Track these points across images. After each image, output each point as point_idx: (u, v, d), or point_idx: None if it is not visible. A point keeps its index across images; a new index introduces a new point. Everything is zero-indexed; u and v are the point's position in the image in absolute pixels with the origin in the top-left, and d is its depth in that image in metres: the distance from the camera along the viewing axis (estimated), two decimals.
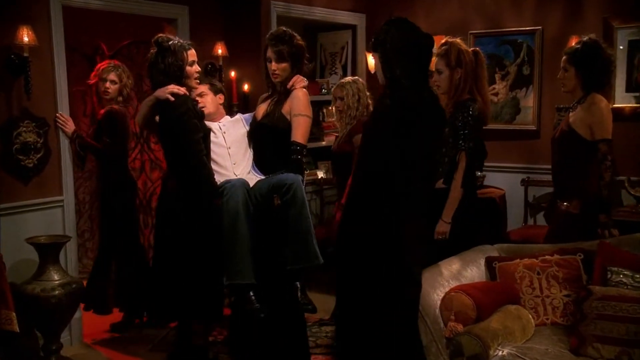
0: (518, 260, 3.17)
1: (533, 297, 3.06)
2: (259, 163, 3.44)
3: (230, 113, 4.57)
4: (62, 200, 3.92)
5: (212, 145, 3.34)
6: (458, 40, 3.32)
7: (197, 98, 3.48)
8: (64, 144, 3.92)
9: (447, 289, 2.94)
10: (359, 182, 2.78)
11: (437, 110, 2.78)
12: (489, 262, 3.23)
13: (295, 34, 3.41)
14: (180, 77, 3.20)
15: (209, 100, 3.58)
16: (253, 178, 3.34)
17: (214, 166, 3.29)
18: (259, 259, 3.16)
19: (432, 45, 2.75)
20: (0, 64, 3.58)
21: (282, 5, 4.91)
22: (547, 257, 3.14)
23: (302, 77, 3.38)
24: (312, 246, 3.15)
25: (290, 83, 3.36)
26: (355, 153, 3.77)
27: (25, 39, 3.53)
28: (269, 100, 3.47)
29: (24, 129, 3.70)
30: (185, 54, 3.20)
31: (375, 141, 2.69)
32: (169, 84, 3.16)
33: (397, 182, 2.63)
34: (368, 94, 4.14)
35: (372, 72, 5.48)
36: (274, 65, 3.33)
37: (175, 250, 3.24)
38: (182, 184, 3.20)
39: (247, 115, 3.65)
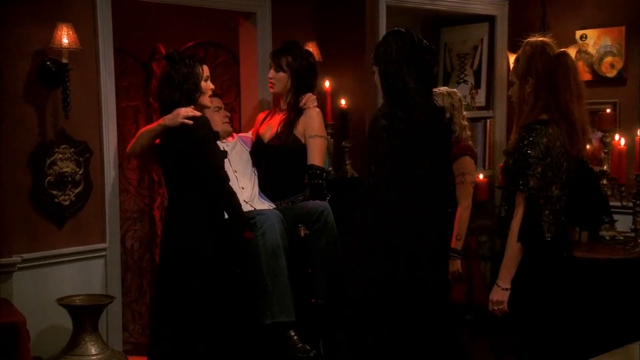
0: None
1: None
2: (269, 188, 4.01)
3: None
4: (104, 249, 3.95)
5: None
6: (541, 39, 3.19)
7: (217, 113, 4.09)
8: (109, 175, 3.96)
9: None
10: (363, 214, 3.20)
11: (440, 127, 3.30)
12: None
13: (308, 51, 4.13)
14: (194, 92, 3.63)
15: (222, 117, 4.14)
16: (261, 205, 3.90)
17: None
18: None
19: (435, 59, 3.41)
20: (32, 73, 3.66)
21: None
22: None
23: (314, 96, 4.06)
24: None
25: (303, 102, 4.00)
26: (457, 182, 4.03)
27: (65, 40, 3.58)
28: (272, 119, 4.09)
29: (60, 156, 3.76)
30: (200, 68, 3.66)
31: (370, 167, 3.16)
32: (182, 102, 3.58)
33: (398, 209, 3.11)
34: (465, 113, 4.24)
35: None
36: (270, 73, 4.06)
37: (189, 291, 3.50)
38: (200, 216, 3.54)
39: (242, 135, 4.27)
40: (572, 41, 5.15)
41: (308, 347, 3.64)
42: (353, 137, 4.57)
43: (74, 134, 3.81)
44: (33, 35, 3.65)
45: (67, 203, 3.78)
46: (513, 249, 3.10)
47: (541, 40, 3.18)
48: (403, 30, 3.32)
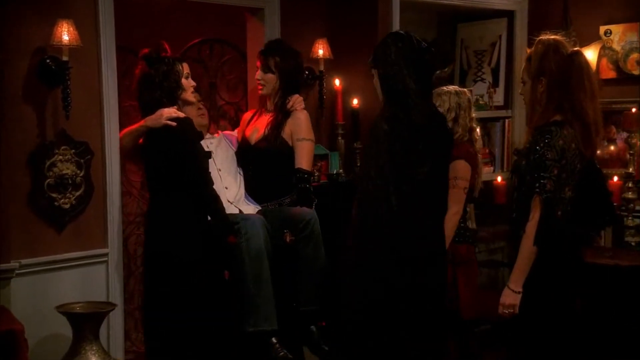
0: None
1: None
2: (255, 190, 4.15)
3: (334, 136, 4.55)
4: (106, 254, 3.94)
5: None
6: (554, 37, 3.24)
7: (191, 107, 4.06)
8: (111, 177, 3.95)
9: None
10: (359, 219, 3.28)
11: (440, 130, 3.36)
12: None
13: (296, 51, 4.21)
14: (176, 90, 3.75)
15: (196, 109, 4.18)
16: (247, 207, 4.05)
17: None
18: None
19: (435, 60, 3.49)
20: (31, 71, 3.66)
21: None
22: None
23: (301, 98, 4.20)
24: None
25: (290, 104, 4.14)
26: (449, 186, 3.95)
27: (65, 37, 3.57)
28: (258, 120, 4.22)
29: (60, 157, 3.75)
30: (179, 66, 3.78)
31: (370, 171, 3.23)
32: (164, 101, 3.69)
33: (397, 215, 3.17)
34: (474, 115, 4.19)
35: None
36: (258, 74, 4.15)
37: (175, 294, 3.64)
38: (183, 218, 3.67)
39: (227, 133, 4.42)
40: (596, 37, 5.12)
41: (290, 356, 3.80)
42: (365, 138, 4.56)
43: (75, 134, 3.80)
44: (33, 32, 3.65)
45: (67, 206, 3.78)
46: (528, 251, 3.16)
47: (554, 39, 3.23)
48: (402, 32, 3.44)
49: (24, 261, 3.65)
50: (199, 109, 4.27)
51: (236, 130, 4.46)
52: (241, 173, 4.21)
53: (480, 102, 5.30)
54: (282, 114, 4.14)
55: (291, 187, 4.11)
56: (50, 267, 3.75)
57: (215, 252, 3.73)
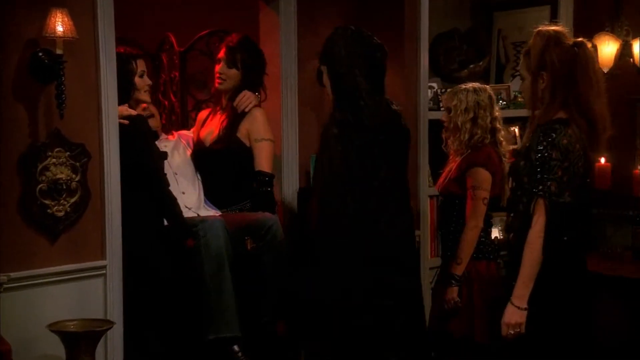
0: None
1: None
2: (214, 195, 4.28)
3: None
4: (104, 267, 3.92)
5: None
6: (554, 28, 3.24)
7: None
8: (110, 183, 3.92)
9: None
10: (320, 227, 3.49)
11: (395, 128, 3.53)
12: None
13: (261, 49, 4.36)
14: (129, 90, 3.90)
15: (156, 116, 4.41)
16: (206, 213, 4.16)
17: None
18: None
19: (386, 57, 3.62)
20: (22, 66, 3.64)
21: None
22: None
23: (250, 93, 4.27)
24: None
25: (236, 102, 4.24)
26: (467, 196, 3.98)
27: (59, 28, 3.55)
28: (213, 120, 4.34)
29: (54, 160, 3.73)
30: (133, 64, 3.95)
31: (325, 179, 3.42)
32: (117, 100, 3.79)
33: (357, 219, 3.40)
34: (497, 114, 4.13)
35: None
36: (221, 68, 4.27)
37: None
38: (140, 220, 3.83)
39: (182, 133, 4.54)
40: None
41: None
42: None
43: (70, 135, 3.78)
44: (23, 23, 3.63)
45: (61, 214, 3.76)
46: (533, 262, 3.14)
47: (554, 30, 3.25)
48: (352, 27, 3.60)
49: (13, 274, 3.63)
50: (144, 109, 4.32)
51: (192, 130, 4.53)
52: (199, 177, 4.32)
53: (519, 100, 5.23)
54: (238, 113, 4.25)
55: (252, 190, 4.24)
56: (42, 281, 3.73)
57: (173, 256, 3.83)
